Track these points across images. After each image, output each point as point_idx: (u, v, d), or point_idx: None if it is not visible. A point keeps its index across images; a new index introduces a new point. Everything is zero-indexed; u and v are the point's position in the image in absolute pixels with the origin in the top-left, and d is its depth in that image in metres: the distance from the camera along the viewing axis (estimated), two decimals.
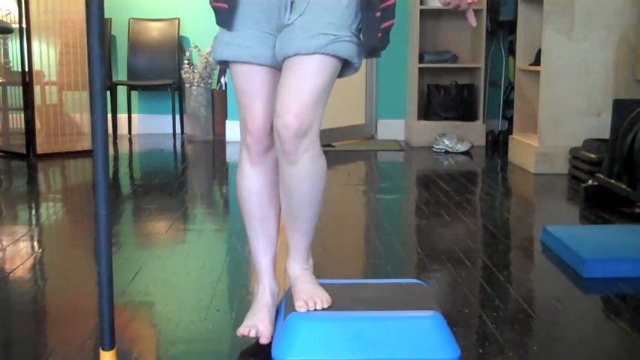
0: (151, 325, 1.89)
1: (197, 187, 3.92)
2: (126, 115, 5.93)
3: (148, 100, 6.21)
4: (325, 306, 1.66)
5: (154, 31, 6.02)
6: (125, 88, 5.84)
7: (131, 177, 4.33)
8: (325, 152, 1.66)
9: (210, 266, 2.39)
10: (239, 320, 1.89)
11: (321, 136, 1.64)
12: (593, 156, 3.76)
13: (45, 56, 4.81)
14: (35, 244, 2.71)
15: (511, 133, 4.74)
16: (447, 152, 5.15)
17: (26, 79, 4.68)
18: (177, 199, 3.51)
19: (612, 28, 4.08)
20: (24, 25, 4.62)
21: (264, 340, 1.69)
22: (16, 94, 4.86)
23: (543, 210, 3.46)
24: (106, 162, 1.38)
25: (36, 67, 4.75)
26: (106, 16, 5.63)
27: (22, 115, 4.76)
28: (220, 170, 4.59)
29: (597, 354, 1.71)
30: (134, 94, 6.07)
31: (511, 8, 5.17)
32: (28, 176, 4.22)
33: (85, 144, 5.00)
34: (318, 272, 1.81)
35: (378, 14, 1.58)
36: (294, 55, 1.54)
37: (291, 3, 1.58)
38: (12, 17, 5.03)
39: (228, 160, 4.90)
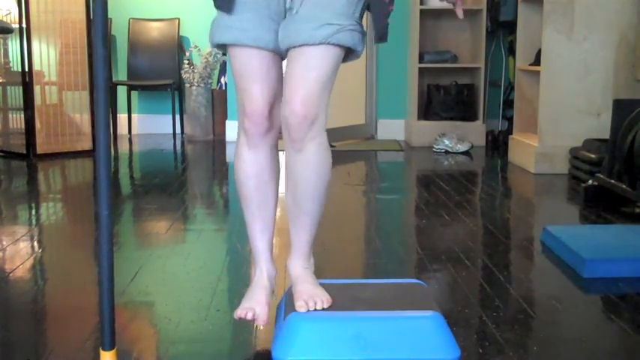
0: (151, 325, 1.89)
1: (197, 187, 3.92)
2: (126, 115, 5.93)
3: (148, 100, 6.21)
4: (325, 306, 1.66)
5: (154, 31, 6.02)
6: (125, 88, 5.84)
7: (131, 177, 4.33)
8: None
9: (210, 266, 2.39)
10: (239, 320, 1.89)
11: None
12: (593, 156, 3.76)
13: (45, 56, 4.81)
14: (35, 244, 2.71)
15: (511, 133, 4.74)
16: (447, 152, 5.15)
17: (26, 79, 4.68)
18: (177, 199, 3.51)
19: (612, 28, 4.08)
20: (24, 25, 4.62)
21: (260, 322, 1.69)
22: (16, 94, 4.85)
23: (543, 210, 3.46)
24: (108, 161, 1.38)
25: (36, 67, 4.75)
26: None
27: (22, 115, 4.76)
28: (220, 170, 4.59)
29: (597, 354, 1.71)
30: (134, 94, 6.07)
31: (511, 8, 5.17)
32: (28, 176, 4.22)
33: (85, 144, 5.00)
34: (318, 272, 1.81)
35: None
36: (301, 45, 1.56)
37: None
38: (12, 17, 5.03)
39: (228, 160, 4.90)
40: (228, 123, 5.70)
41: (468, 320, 1.91)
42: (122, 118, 5.95)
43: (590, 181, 3.43)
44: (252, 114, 1.63)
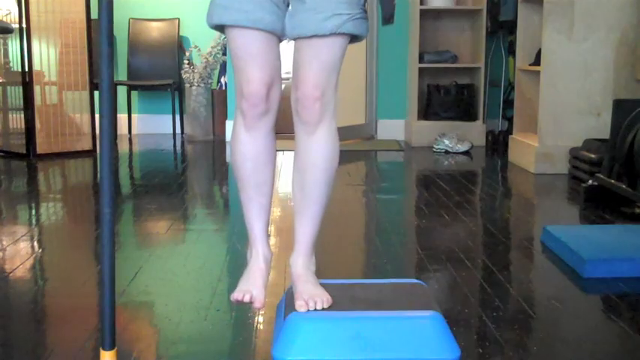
0: (151, 325, 1.89)
1: (197, 187, 3.92)
2: (126, 115, 5.93)
3: (148, 100, 6.21)
4: (326, 306, 1.65)
5: (154, 31, 6.02)
6: (125, 88, 5.84)
7: (131, 177, 4.33)
8: None
9: (210, 266, 2.39)
10: (239, 320, 1.89)
11: None
12: (593, 156, 3.76)
13: (45, 56, 4.81)
14: (35, 244, 2.71)
15: (511, 133, 4.74)
16: (447, 152, 5.15)
17: (26, 79, 4.68)
18: (177, 199, 3.51)
19: (612, 28, 4.08)
20: (24, 25, 4.62)
21: (257, 305, 1.68)
22: (16, 94, 4.85)
23: (543, 210, 3.46)
24: (110, 160, 1.38)
25: (36, 67, 4.75)
26: None
27: (22, 115, 4.76)
28: (220, 170, 4.59)
29: (597, 354, 1.71)
30: (134, 94, 6.07)
31: (511, 8, 5.17)
32: (28, 176, 4.22)
33: (85, 144, 5.00)
34: (318, 272, 1.81)
35: None
36: (311, 36, 1.60)
37: None
38: (12, 17, 5.03)
39: (228, 160, 4.90)
40: (228, 123, 5.70)
41: (468, 320, 1.91)
42: (122, 118, 5.95)
43: (590, 181, 3.43)
44: (250, 95, 1.64)
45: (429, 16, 5.51)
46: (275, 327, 1.74)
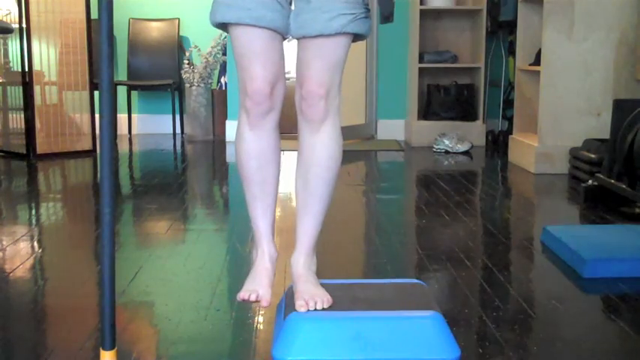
0: (151, 325, 1.89)
1: (197, 187, 3.92)
2: (126, 115, 5.93)
3: (148, 100, 6.21)
4: (326, 306, 1.65)
5: (154, 31, 6.02)
6: (125, 88, 5.84)
7: (131, 177, 4.33)
8: None
9: (210, 266, 2.39)
10: (239, 320, 1.89)
11: None
12: (593, 156, 3.76)
13: (45, 56, 4.81)
14: (35, 244, 2.71)
15: (511, 133, 4.74)
16: (447, 152, 5.15)
17: (26, 79, 4.68)
18: (177, 199, 3.51)
19: (612, 28, 4.08)
20: (24, 25, 4.62)
21: (264, 304, 1.69)
22: (16, 94, 4.85)
23: (543, 210, 3.46)
24: (110, 160, 1.38)
25: (36, 67, 4.75)
26: None
27: (22, 115, 4.76)
28: (220, 170, 4.59)
29: (597, 354, 1.71)
30: (134, 94, 6.07)
31: (511, 8, 5.17)
32: (28, 176, 4.22)
33: (85, 144, 5.00)
34: (318, 272, 1.81)
35: None
36: (317, 36, 1.61)
37: None
38: (12, 17, 5.03)
39: (228, 160, 4.90)
40: (228, 123, 5.70)
41: (468, 320, 1.91)
42: (122, 118, 5.95)
43: (590, 181, 3.43)
44: (253, 93, 1.64)
45: (429, 16, 5.51)
46: (275, 327, 1.74)
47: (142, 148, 5.37)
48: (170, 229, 2.90)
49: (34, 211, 3.30)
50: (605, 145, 3.54)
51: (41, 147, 4.78)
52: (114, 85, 1.41)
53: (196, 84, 5.75)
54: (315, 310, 1.64)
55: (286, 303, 1.72)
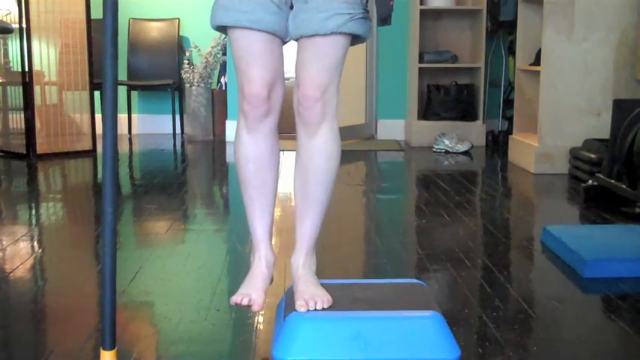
0: (151, 325, 1.89)
1: (197, 187, 3.92)
2: (126, 115, 5.93)
3: (148, 100, 6.21)
4: (326, 306, 1.65)
5: (154, 31, 6.02)
6: (125, 88, 5.84)
7: (131, 177, 4.33)
8: None
9: (210, 266, 2.39)
10: (239, 320, 1.89)
11: None
12: (593, 156, 3.76)
13: (45, 56, 4.81)
14: (35, 244, 2.71)
15: (511, 133, 4.74)
16: (447, 152, 5.15)
17: (26, 79, 4.68)
18: (177, 199, 3.51)
19: (612, 28, 4.08)
20: (24, 25, 4.62)
21: (255, 308, 1.68)
22: (16, 94, 4.85)
23: (543, 210, 3.46)
24: (113, 160, 1.38)
25: (36, 67, 4.75)
26: None
27: (22, 115, 4.76)
28: (220, 170, 4.59)
29: (597, 354, 1.71)
30: (134, 94, 6.07)
31: (511, 8, 5.17)
32: (28, 176, 4.22)
33: (85, 144, 5.00)
34: (318, 272, 1.81)
35: None
36: (313, 35, 1.59)
37: None
38: (12, 17, 5.03)
39: (228, 160, 4.90)
40: (228, 123, 5.70)
41: (468, 320, 1.91)
42: (122, 118, 5.95)
43: (590, 181, 3.43)
44: (251, 96, 1.64)
45: (429, 16, 5.51)
46: (275, 327, 1.74)
47: (142, 148, 5.37)
48: (170, 229, 2.90)
49: (34, 211, 3.30)
50: (605, 145, 3.54)
51: (41, 147, 4.78)
52: None
53: (196, 84, 5.75)
54: (315, 310, 1.64)
55: (286, 303, 1.72)
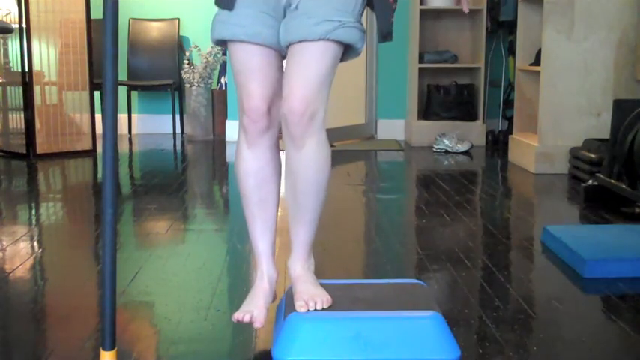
0: (151, 325, 1.89)
1: (197, 187, 3.92)
2: (126, 115, 5.93)
3: (148, 100, 6.21)
4: (325, 306, 1.65)
5: (154, 31, 6.02)
6: (125, 88, 5.84)
7: (131, 177, 4.33)
8: None
9: (210, 266, 2.39)
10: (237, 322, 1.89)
11: None
12: (593, 156, 3.76)
13: (45, 56, 4.81)
14: (35, 244, 2.71)
15: (511, 133, 4.74)
16: (447, 152, 5.15)
17: (26, 79, 4.68)
18: (177, 199, 3.51)
19: (612, 28, 4.08)
20: (24, 25, 4.62)
21: (257, 325, 1.69)
22: (16, 94, 4.85)
23: (543, 210, 3.46)
24: (114, 160, 1.38)
25: (36, 67, 4.75)
26: None
27: (22, 115, 4.76)
28: (220, 170, 4.59)
29: (597, 354, 1.71)
30: (134, 94, 6.07)
31: (511, 8, 5.17)
32: (28, 176, 4.22)
33: (85, 144, 5.00)
34: (318, 272, 1.81)
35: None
36: (300, 41, 1.56)
37: None
38: (12, 17, 5.03)
39: (228, 160, 4.90)
40: (228, 123, 5.71)
41: (468, 320, 1.91)
42: (122, 118, 5.95)
43: (590, 181, 3.43)
44: (250, 111, 1.63)
45: (429, 16, 5.51)
46: (275, 327, 1.74)
47: (142, 148, 5.37)
48: (170, 229, 2.90)
49: (34, 211, 3.30)
50: (605, 145, 3.54)
51: (41, 147, 4.78)
52: None
53: (196, 84, 5.75)
54: (315, 310, 1.64)
55: (286, 303, 1.72)
